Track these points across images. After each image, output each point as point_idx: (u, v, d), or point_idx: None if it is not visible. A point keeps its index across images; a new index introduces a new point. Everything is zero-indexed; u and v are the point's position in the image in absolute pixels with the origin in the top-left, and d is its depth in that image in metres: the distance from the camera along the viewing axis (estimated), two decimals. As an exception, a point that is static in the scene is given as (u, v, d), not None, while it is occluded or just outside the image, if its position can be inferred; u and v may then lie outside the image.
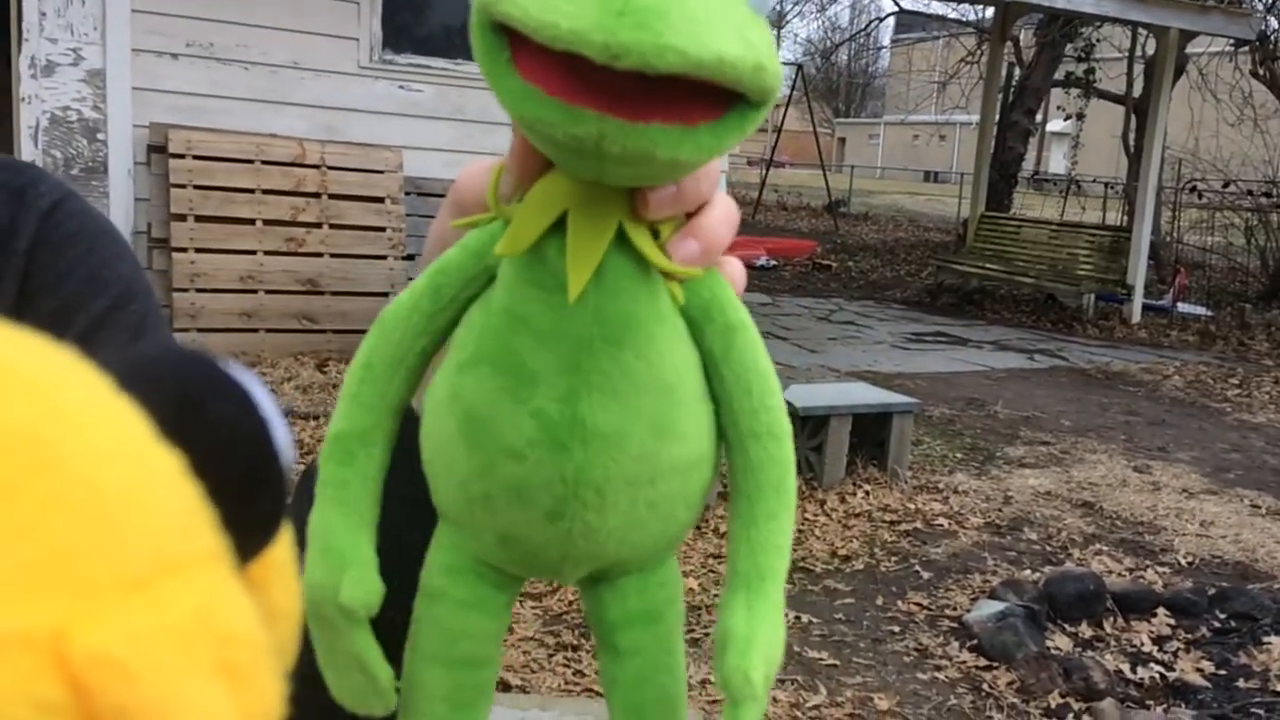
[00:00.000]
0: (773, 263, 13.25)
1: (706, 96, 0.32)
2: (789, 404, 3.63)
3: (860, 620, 3.50)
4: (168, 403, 0.21)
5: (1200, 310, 10.91)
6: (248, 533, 0.21)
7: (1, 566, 0.16)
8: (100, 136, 5.59)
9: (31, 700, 0.16)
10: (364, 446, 0.42)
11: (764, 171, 22.13)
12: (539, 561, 0.40)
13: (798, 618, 3.46)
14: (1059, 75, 14.03)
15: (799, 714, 2.88)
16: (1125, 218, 12.06)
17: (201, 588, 0.19)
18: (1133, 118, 13.16)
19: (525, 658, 3.00)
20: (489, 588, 0.42)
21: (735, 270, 0.43)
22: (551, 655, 3.02)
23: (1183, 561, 4.19)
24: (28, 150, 5.41)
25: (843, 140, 47.87)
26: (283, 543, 0.23)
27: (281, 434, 0.22)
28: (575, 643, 3.08)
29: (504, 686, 2.83)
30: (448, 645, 0.42)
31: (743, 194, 21.98)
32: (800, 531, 4.16)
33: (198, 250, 5.68)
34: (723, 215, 0.41)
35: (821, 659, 3.21)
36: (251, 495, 0.21)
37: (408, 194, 6.28)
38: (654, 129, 0.32)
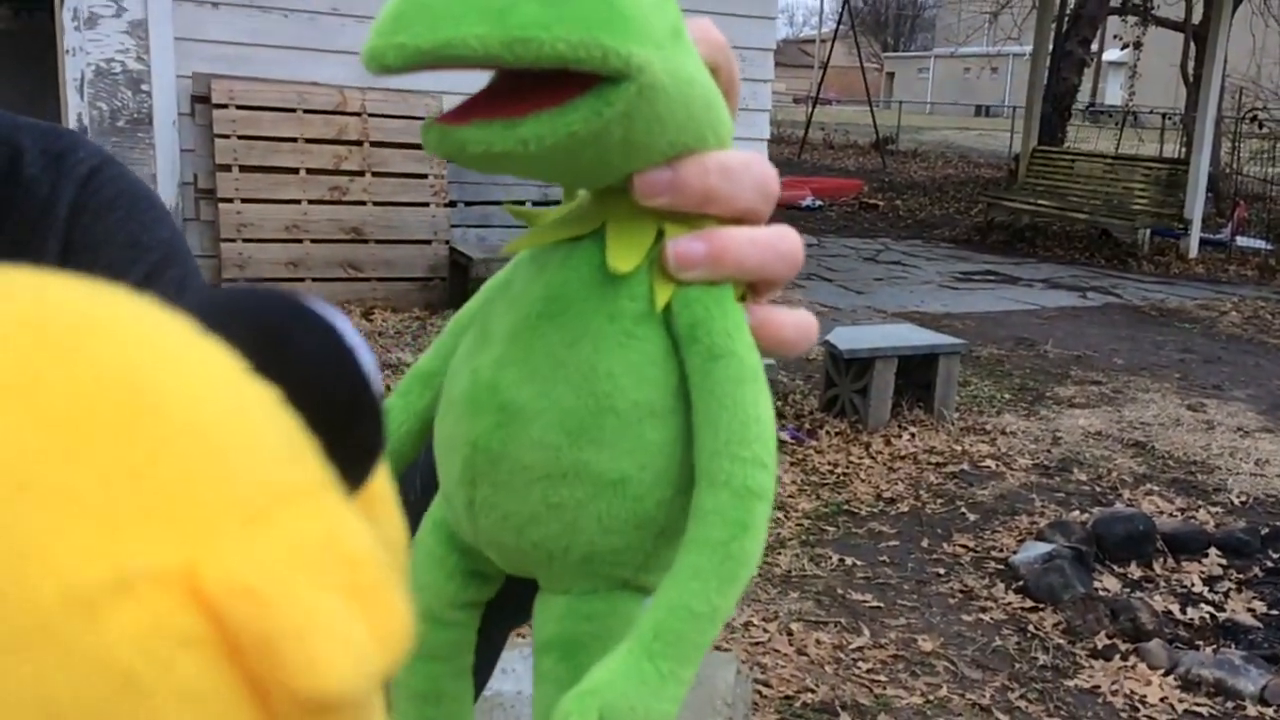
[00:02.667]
0: (818, 203, 13.09)
1: (551, 85, 0.32)
2: (831, 346, 3.59)
3: (905, 562, 3.50)
4: (252, 339, 0.21)
5: (1260, 244, 10.62)
6: (349, 463, 0.21)
7: (120, 509, 0.16)
8: (144, 88, 5.62)
9: (172, 634, 0.16)
10: (422, 387, 0.44)
11: (809, 109, 21.78)
12: (464, 529, 0.40)
13: (841, 560, 3.47)
14: (1115, 2, 13.59)
15: (842, 655, 2.90)
16: (1183, 149, 11.72)
17: (321, 514, 0.19)
18: (1192, 45, 12.74)
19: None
20: (449, 549, 0.42)
21: (774, 319, 0.37)
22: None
23: (1236, 501, 4.13)
24: (74, 103, 5.47)
25: (891, 75, 46.93)
26: (381, 475, 0.23)
27: (369, 361, 0.22)
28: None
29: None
30: (413, 594, 0.42)
31: (788, 132, 21.69)
32: (845, 474, 4.15)
33: (243, 200, 5.73)
34: (760, 236, 0.36)
35: (865, 601, 3.22)
36: (348, 424, 0.21)
37: (449, 140, 6.26)
38: (466, 129, 0.32)
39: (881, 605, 3.20)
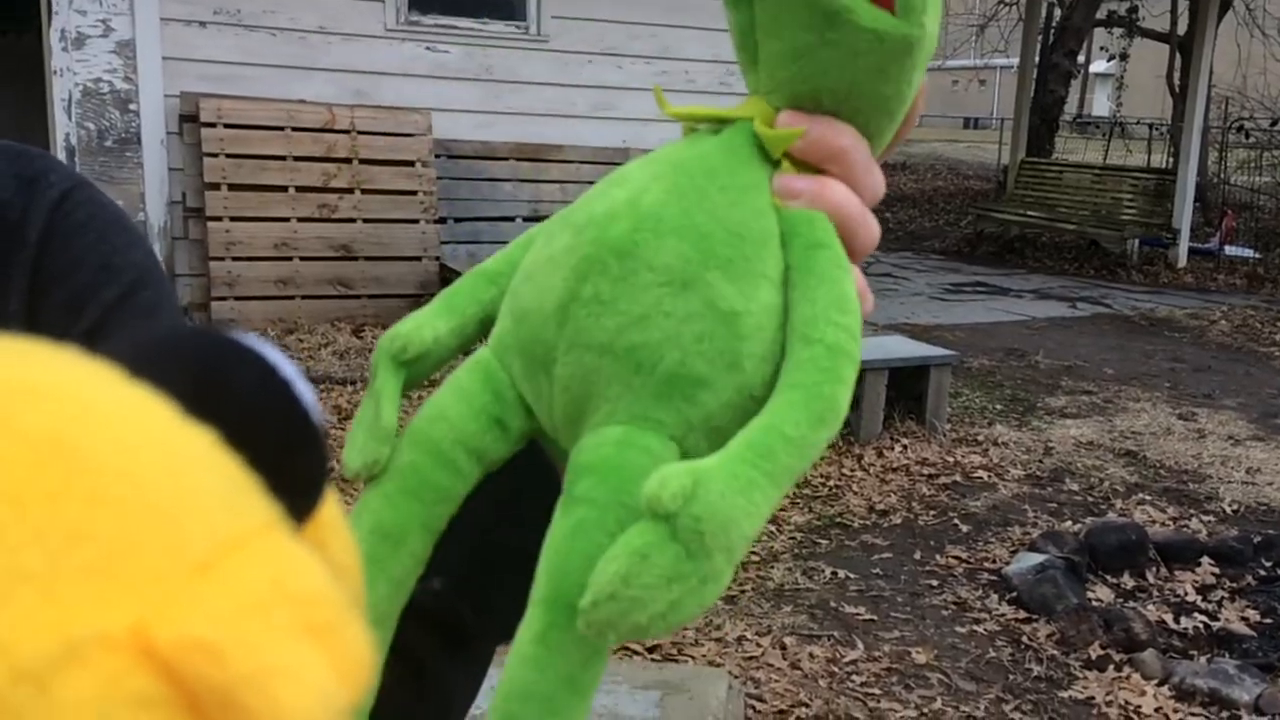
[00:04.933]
0: (809, 215, 13.12)
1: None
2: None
3: (898, 575, 3.49)
4: (187, 381, 0.20)
5: (1248, 252, 10.67)
6: (295, 496, 0.21)
7: (62, 574, 0.16)
8: (132, 107, 5.62)
9: (128, 697, 0.16)
10: (487, 283, 0.45)
11: (799, 123, 21.81)
12: (539, 345, 0.40)
13: (834, 573, 3.46)
14: (1100, 14, 13.67)
15: (835, 669, 2.88)
16: (1170, 160, 11.78)
17: (269, 556, 0.19)
18: (1178, 56, 12.82)
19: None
20: (483, 387, 0.42)
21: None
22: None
23: (1228, 510, 4.13)
24: (61, 123, 5.46)
25: (880, 88, 47.11)
26: (330, 501, 0.23)
27: (306, 393, 0.22)
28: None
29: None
30: (429, 423, 0.42)
31: (778, 146, 21.71)
32: (837, 487, 4.14)
33: (232, 219, 5.72)
34: (858, 201, 0.40)
35: (859, 614, 3.20)
36: (291, 459, 0.21)
37: (438, 156, 6.27)
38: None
39: (875, 618, 3.19)
